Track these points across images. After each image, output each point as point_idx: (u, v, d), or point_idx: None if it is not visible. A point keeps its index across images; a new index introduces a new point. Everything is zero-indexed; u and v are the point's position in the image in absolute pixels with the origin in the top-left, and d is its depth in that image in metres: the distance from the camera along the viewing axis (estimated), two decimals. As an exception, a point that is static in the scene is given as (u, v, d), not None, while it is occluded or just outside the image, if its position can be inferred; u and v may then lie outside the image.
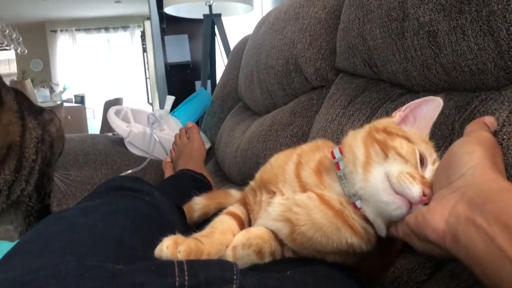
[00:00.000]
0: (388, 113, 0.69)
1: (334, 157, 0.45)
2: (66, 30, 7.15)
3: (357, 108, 0.79)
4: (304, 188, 0.45)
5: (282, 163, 0.49)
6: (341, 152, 0.45)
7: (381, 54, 0.75)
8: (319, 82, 0.98)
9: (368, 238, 0.43)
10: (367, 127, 0.46)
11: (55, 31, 7.17)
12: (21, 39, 6.47)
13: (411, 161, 0.41)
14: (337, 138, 0.78)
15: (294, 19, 1.04)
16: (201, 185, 1.07)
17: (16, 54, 6.50)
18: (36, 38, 7.11)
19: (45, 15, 6.81)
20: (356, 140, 0.44)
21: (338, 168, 0.45)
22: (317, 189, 0.45)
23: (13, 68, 7.16)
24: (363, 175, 0.42)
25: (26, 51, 6.53)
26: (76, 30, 7.13)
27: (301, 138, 0.95)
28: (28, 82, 4.97)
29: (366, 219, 0.43)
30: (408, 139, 0.42)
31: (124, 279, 0.36)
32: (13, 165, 0.81)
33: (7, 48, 6.26)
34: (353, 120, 0.78)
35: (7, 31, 6.18)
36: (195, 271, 0.36)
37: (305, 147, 0.50)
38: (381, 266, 0.53)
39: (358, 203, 0.43)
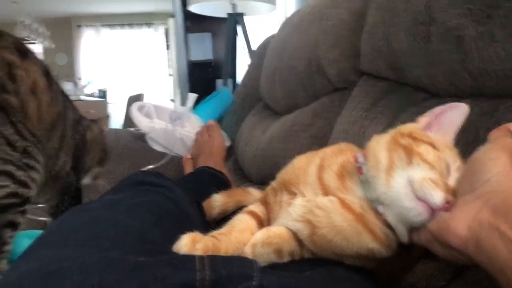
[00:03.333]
0: (411, 118, 0.69)
1: (357, 161, 0.45)
2: (91, 26, 7.27)
3: (379, 111, 0.79)
4: (325, 191, 0.45)
5: (304, 165, 0.49)
6: (364, 156, 0.45)
7: (406, 57, 0.74)
8: (342, 84, 0.98)
9: (389, 244, 0.43)
10: (391, 132, 0.46)
11: (80, 26, 7.30)
12: (47, 33, 6.60)
13: (436, 168, 0.41)
14: (358, 141, 0.78)
15: (318, 20, 1.04)
16: (220, 183, 1.08)
17: (43, 48, 6.64)
18: (61, 33, 7.24)
19: (71, 10, 6.93)
20: (380, 144, 0.44)
21: (361, 173, 0.45)
22: (338, 192, 0.45)
23: (39, 62, 7.30)
24: (386, 180, 0.42)
25: (53, 45, 6.66)
26: (101, 25, 7.24)
27: (322, 139, 0.95)
28: (53, 76, 5.06)
29: (387, 225, 0.43)
30: (433, 146, 0.42)
31: (146, 271, 0.37)
32: (59, 134, 0.85)
33: (34, 42, 6.39)
34: (376, 123, 0.78)
35: (35, 25, 6.31)
36: (216, 266, 0.37)
37: (328, 150, 0.51)
38: (399, 270, 0.53)
39: (379, 208, 0.43)
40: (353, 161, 0.46)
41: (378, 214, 0.43)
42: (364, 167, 0.45)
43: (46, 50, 6.72)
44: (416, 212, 0.39)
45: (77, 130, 0.94)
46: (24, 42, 0.79)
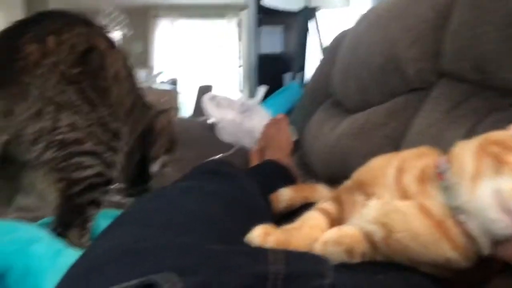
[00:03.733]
0: (495, 124, 0.65)
1: (439, 167, 0.44)
2: (166, 16, 7.52)
3: (460, 115, 0.75)
4: (404, 195, 0.44)
5: (382, 167, 0.48)
6: (447, 162, 0.43)
7: (494, 60, 0.70)
8: (420, 84, 0.94)
9: (468, 254, 0.41)
10: (478, 138, 0.44)
11: (156, 16, 7.57)
12: (125, 22, 6.91)
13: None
14: (436, 144, 0.74)
15: (398, 17, 1.01)
16: (286, 177, 1.09)
17: (120, 36, 6.96)
18: (138, 22, 7.55)
19: (149, 0, 7.21)
20: (465, 151, 0.42)
21: (443, 179, 0.43)
22: (418, 197, 0.43)
23: (117, 49, 7.66)
24: (470, 188, 0.40)
25: (129, 33, 6.97)
26: (175, 16, 7.48)
27: (395, 140, 0.92)
28: (129, 64, 5.31)
29: (468, 234, 0.41)
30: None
31: (220, 259, 0.38)
32: (132, 120, 0.89)
33: (114, 30, 6.73)
34: (455, 127, 0.74)
35: (115, 14, 6.63)
36: (289, 261, 0.37)
37: (408, 153, 0.49)
38: (476, 283, 0.50)
39: (461, 216, 0.41)
40: (435, 166, 0.44)
41: (459, 222, 0.41)
42: (446, 173, 0.43)
43: (123, 38, 7.04)
44: (503, 224, 0.37)
45: (146, 116, 0.99)
46: (106, 30, 0.85)
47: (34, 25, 0.72)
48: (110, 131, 0.76)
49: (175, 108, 1.26)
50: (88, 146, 0.72)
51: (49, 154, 0.69)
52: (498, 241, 0.39)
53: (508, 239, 0.38)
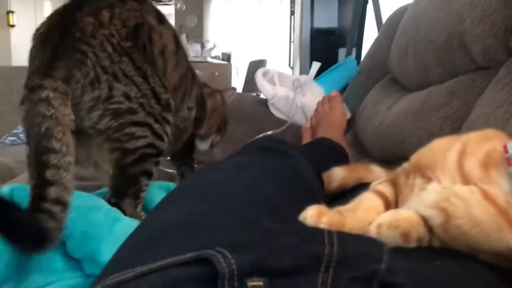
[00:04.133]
0: None
1: (506, 151, 0.41)
2: (221, -10, 7.51)
3: (531, 97, 0.71)
4: (465, 180, 0.42)
5: (444, 150, 0.46)
6: (516, 147, 0.41)
7: None
8: (486, 63, 0.88)
9: (534, 245, 0.39)
10: (554, 123, 0.41)
11: (211, -10, 7.58)
12: (181, -4, 6.98)
13: None
14: (502, 127, 0.70)
15: (465, -10, 0.94)
16: (339, 156, 1.07)
17: (175, 9, 7.04)
18: (193, -4, 7.59)
19: (204, -26, 7.22)
20: (538, 135, 0.40)
21: (510, 164, 0.41)
22: (481, 183, 0.41)
23: (171, 23, 7.79)
24: (541, 176, 0.38)
25: (185, 7, 7.03)
26: (230, -10, 7.45)
27: (456, 121, 0.88)
28: (183, 37, 5.38)
29: (535, 224, 0.39)
30: None
31: (275, 237, 0.38)
32: (181, 95, 0.92)
33: (169, 3, 6.82)
34: (525, 110, 0.70)
35: (169, -13, 6.69)
36: (345, 243, 0.37)
37: (472, 136, 0.47)
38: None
39: (529, 206, 0.39)
40: (502, 151, 0.42)
41: (525, 212, 0.39)
42: (514, 159, 0.40)
43: (178, 12, 7.12)
44: None
45: (197, 93, 1.00)
46: (160, 3, 0.87)
47: (90, 0, 0.75)
48: (161, 103, 0.78)
49: (232, 88, 1.26)
50: (140, 116, 0.75)
51: (104, 123, 0.72)
52: None
53: None
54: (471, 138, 0.46)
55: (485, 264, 0.42)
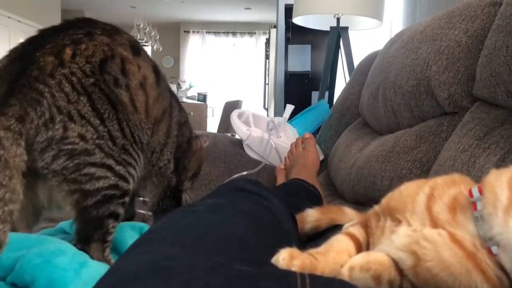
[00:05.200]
0: (531, 152, 0.64)
1: (471, 196, 0.43)
2: (197, 32, 7.68)
3: (494, 141, 0.74)
4: (434, 223, 0.43)
5: (412, 193, 0.47)
6: (480, 191, 0.42)
7: (530, 86, 0.69)
8: (452, 108, 0.92)
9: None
10: (514, 168, 0.43)
11: (187, 32, 7.74)
12: (158, 37, 7.09)
13: None
14: (467, 170, 0.73)
15: (431, 40, 1.00)
16: (312, 197, 1.08)
17: (152, 50, 7.14)
18: (170, 37, 7.72)
19: (180, 16, 7.39)
20: (500, 180, 0.41)
21: (475, 208, 0.42)
22: (448, 226, 0.42)
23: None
24: (504, 219, 0.39)
25: (161, 48, 7.13)
26: (206, 32, 7.62)
27: (425, 164, 0.91)
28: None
29: (501, 267, 0.40)
30: None
31: (250, 281, 0.38)
32: (165, 129, 0.90)
33: (146, 44, 6.91)
34: (488, 154, 0.72)
35: (147, 29, 6.82)
36: (317, 286, 0.37)
37: (439, 180, 0.48)
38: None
39: (494, 249, 0.40)
40: (467, 195, 0.43)
41: (491, 254, 0.40)
42: (479, 203, 0.42)
43: (155, 52, 7.21)
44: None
45: (182, 130, 0.99)
46: (133, 39, 0.86)
47: (57, 34, 0.73)
48: (117, 146, 0.75)
49: (206, 135, 1.25)
50: (97, 157, 0.73)
51: (59, 163, 0.70)
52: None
53: (543, 274, 0.37)
54: (439, 182, 0.48)
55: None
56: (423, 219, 0.44)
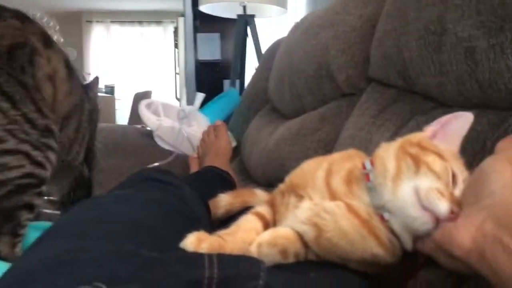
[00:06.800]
0: (419, 126, 0.70)
1: (364, 168, 0.46)
2: (101, 22, 7.30)
3: (387, 119, 0.80)
4: (333, 196, 0.46)
5: (312, 169, 0.50)
6: (372, 163, 0.46)
7: (416, 66, 0.75)
8: (350, 90, 0.98)
9: (393, 251, 0.44)
10: (400, 140, 0.47)
11: (90, 22, 7.33)
12: (57, 27, 6.64)
13: (443, 178, 0.41)
14: (365, 147, 0.78)
15: (329, 25, 1.05)
16: (226, 183, 1.09)
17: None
18: (71, 28, 7.26)
19: (82, 5, 6.97)
20: (388, 152, 0.45)
21: (368, 180, 0.45)
22: (345, 198, 0.46)
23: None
24: (392, 188, 0.42)
25: (62, 39, 6.68)
26: (111, 22, 7.28)
27: (328, 144, 0.96)
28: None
29: (392, 232, 0.43)
30: (441, 156, 0.43)
31: (158, 266, 0.38)
32: (75, 125, 0.86)
33: (44, 35, 6.43)
34: (383, 130, 0.78)
35: (45, 19, 6.35)
36: (224, 265, 0.38)
37: (336, 156, 0.51)
38: (402, 278, 0.53)
39: (385, 215, 0.43)
40: (361, 168, 0.47)
41: (383, 221, 0.44)
42: (371, 174, 0.45)
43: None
44: (421, 221, 0.40)
45: (92, 120, 0.95)
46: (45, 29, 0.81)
47: None
48: (38, 128, 0.71)
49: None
50: (11, 144, 0.67)
51: None
52: (419, 237, 0.42)
53: (427, 235, 0.41)
54: (335, 158, 0.51)
55: (357, 272, 0.46)
56: (322, 193, 0.47)
